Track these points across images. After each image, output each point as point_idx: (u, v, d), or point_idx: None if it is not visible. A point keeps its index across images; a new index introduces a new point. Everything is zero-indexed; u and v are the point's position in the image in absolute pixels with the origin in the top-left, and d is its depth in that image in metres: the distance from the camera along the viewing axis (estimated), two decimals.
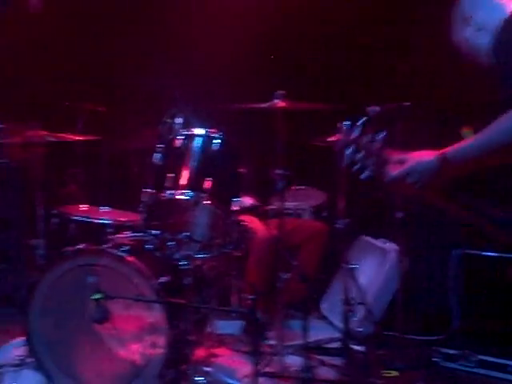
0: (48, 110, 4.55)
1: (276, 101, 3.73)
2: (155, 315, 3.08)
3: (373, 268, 4.39)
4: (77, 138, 4.12)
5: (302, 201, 4.80)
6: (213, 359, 3.57)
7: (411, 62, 4.67)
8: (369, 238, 4.64)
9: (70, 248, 3.31)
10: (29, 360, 3.31)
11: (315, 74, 5.11)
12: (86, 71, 4.89)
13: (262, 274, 4.04)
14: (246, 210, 4.01)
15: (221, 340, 3.82)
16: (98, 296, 2.81)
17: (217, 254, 3.48)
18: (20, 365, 3.40)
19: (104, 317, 2.84)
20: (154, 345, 3.08)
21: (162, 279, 3.22)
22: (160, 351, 3.07)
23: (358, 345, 3.89)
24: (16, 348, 3.58)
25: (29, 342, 3.23)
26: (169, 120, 3.69)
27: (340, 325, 3.87)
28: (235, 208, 3.45)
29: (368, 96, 4.22)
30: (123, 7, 5.00)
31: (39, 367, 3.23)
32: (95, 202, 3.95)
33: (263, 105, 3.78)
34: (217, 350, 3.69)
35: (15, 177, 4.46)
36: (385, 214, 4.13)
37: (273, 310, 3.78)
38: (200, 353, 3.45)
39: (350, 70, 4.98)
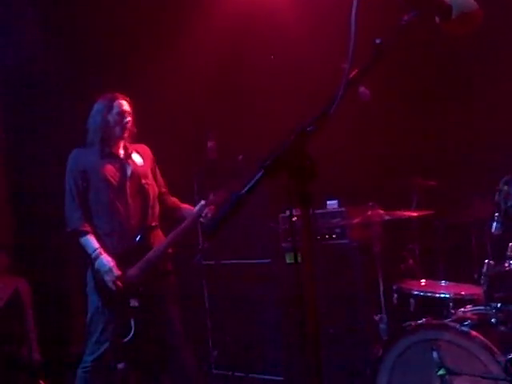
0: (384, 189, 4.75)
1: None
2: None
3: None
4: (411, 213, 4.21)
5: None
6: None
7: None
8: None
9: (412, 322, 3.36)
10: None
11: None
12: (410, 148, 4.97)
13: None
14: None
15: None
16: (442, 372, 2.78)
17: None
18: None
19: None
20: None
21: (510, 355, 3.03)
22: None
23: None
24: None
25: None
26: (504, 187, 3.55)
27: None
28: None
29: None
30: None
31: None
32: (433, 276, 3.95)
33: None
34: None
35: (357, 255, 4.73)
36: None
37: None
38: None
39: None
